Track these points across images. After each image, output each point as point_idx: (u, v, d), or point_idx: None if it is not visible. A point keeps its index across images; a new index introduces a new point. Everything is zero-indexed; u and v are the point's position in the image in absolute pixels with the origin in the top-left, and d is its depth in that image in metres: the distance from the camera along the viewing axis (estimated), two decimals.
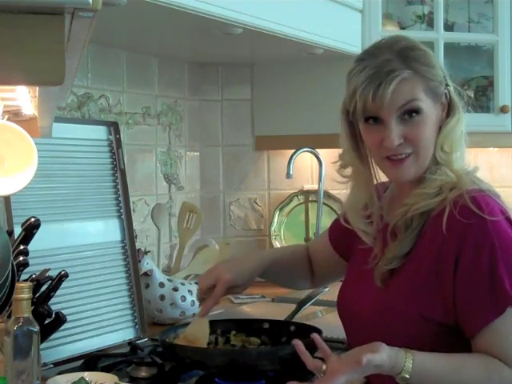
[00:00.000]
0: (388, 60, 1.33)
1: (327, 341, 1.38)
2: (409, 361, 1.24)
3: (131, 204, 2.06)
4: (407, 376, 1.24)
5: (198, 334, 1.56)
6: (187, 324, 1.69)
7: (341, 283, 1.57)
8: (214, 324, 1.66)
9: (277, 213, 2.87)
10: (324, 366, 1.27)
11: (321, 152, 2.77)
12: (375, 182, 1.49)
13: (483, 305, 1.28)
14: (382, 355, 1.23)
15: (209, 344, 1.60)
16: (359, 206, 1.49)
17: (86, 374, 1.43)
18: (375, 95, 1.31)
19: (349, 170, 1.48)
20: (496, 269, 1.27)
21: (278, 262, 1.65)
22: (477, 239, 1.29)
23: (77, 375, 1.42)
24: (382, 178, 1.49)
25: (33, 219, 1.47)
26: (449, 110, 1.40)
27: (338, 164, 1.49)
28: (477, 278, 1.28)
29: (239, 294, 1.56)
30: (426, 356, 1.27)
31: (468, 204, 1.30)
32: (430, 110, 1.36)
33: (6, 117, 1.37)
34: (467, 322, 1.30)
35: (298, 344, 1.33)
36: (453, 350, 1.30)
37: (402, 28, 2.69)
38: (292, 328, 1.68)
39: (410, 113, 1.34)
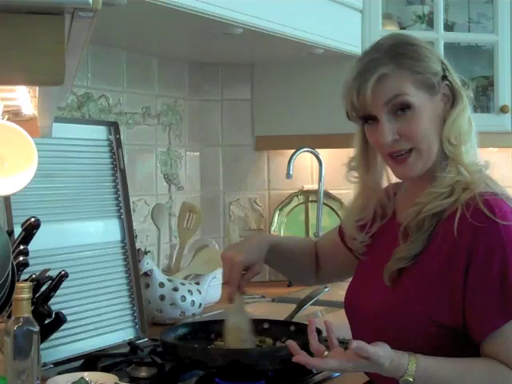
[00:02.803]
0: (374, 59, 1.35)
1: (326, 340, 1.38)
2: (412, 364, 1.24)
3: (131, 204, 2.06)
4: (410, 379, 1.24)
5: (241, 325, 1.57)
6: (187, 324, 1.69)
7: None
8: (211, 324, 1.67)
9: (277, 213, 2.87)
10: (326, 352, 1.28)
11: (321, 152, 2.77)
12: (386, 184, 1.50)
13: (492, 310, 1.27)
14: (376, 349, 1.23)
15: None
16: (355, 214, 1.50)
17: (86, 374, 1.43)
18: (359, 93, 1.33)
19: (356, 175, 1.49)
20: (507, 274, 1.26)
21: (283, 245, 1.65)
22: (488, 243, 1.27)
23: (77, 375, 1.42)
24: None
25: (33, 219, 1.47)
26: (453, 101, 1.39)
27: (346, 168, 1.50)
28: (487, 282, 1.27)
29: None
30: (431, 360, 1.26)
31: (480, 207, 1.28)
32: (425, 103, 1.35)
33: (6, 117, 1.37)
34: (475, 327, 1.29)
35: (311, 323, 1.32)
36: (452, 352, 1.30)
37: (402, 28, 2.69)
38: (292, 328, 1.68)
39: (401, 108, 1.34)
